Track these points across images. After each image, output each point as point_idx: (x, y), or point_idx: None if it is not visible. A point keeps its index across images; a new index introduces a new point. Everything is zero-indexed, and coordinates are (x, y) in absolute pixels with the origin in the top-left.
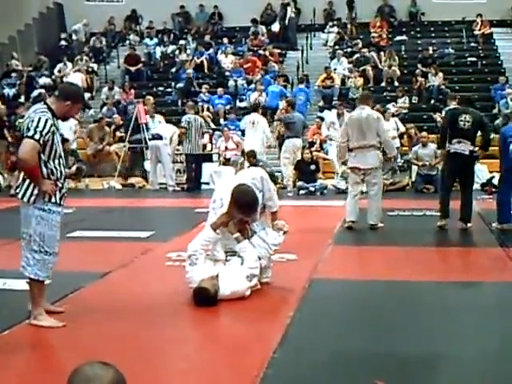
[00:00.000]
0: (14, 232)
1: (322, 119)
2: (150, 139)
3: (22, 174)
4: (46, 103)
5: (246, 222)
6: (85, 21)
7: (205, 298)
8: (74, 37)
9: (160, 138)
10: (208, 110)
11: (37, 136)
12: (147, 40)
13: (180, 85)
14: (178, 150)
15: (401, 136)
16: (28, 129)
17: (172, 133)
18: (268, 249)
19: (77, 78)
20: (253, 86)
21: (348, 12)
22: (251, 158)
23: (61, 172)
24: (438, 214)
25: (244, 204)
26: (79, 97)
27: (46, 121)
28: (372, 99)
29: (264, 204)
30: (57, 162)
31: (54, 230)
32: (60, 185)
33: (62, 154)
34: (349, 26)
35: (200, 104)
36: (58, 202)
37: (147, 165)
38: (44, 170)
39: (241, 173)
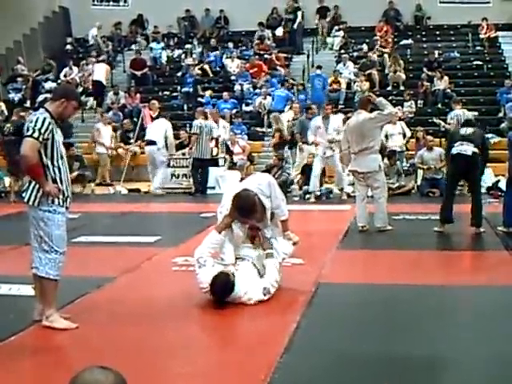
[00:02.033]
0: (19, 237)
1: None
2: (145, 145)
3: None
4: (43, 107)
5: (257, 228)
6: (98, 23)
7: (224, 282)
8: (90, 41)
9: (153, 143)
10: None
11: (36, 134)
12: (153, 44)
13: (186, 89)
14: (183, 153)
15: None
16: (27, 129)
17: (164, 132)
18: (277, 256)
19: (101, 69)
20: (258, 90)
21: (319, 20)
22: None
23: (64, 173)
24: (438, 218)
25: (241, 207)
26: (72, 94)
27: (44, 119)
28: (370, 103)
29: (272, 212)
30: (60, 162)
31: (61, 230)
32: (64, 187)
33: (64, 156)
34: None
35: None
36: (62, 204)
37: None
38: (47, 171)
39: (248, 178)
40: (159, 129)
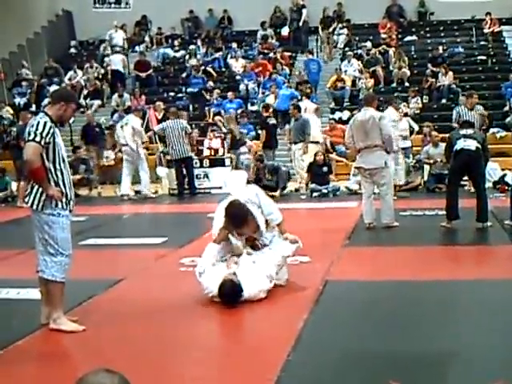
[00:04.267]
0: (26, 241)
1: (335, 121)
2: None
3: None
4: (43, 111)
5: (254, 238)
6: (115, 22)
7: (231, 289)
8: (111, 42)
9: (125, 144)
10: (219, 114)
11: (37, 138)
12: (157, 46)
13: (191, 89)
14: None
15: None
16: (29, 134)
17: (131, 135)
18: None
19: (118, 59)
20: (264, 89)
21: (322, 30)
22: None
23: (67, 176)
24: (445, 213)
25: (234, 215)
26: (71, 97)
27: (45, 123)
28: (376, 100)
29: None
30: (62, 165)
31: (66, 232)
32: (67, 190)
33: (66, 159)
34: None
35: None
36: (65, 207)
37: (160, 171)
38: (49, 175)
39: (237, 193)
40: (128, 133)
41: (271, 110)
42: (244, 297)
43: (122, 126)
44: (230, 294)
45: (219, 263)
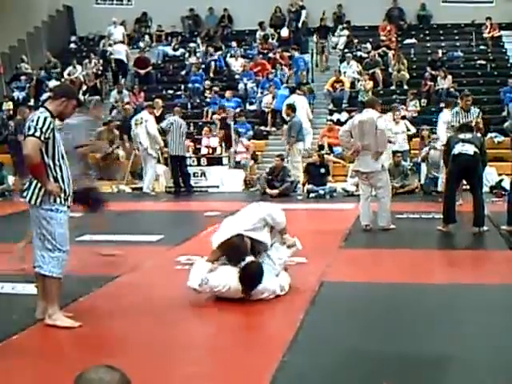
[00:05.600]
0: (23, 236)
1: (333, 122)
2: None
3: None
4: (44, 106)
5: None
6: (114, 19)
7: (256, 270)
8: (111, 37)
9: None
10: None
11: (37, 133)
12: (157, 43)
13: (190, 85)
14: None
15: (409, 138)
16: (29, 128)
17: (145, 136)
18: (273, 264)
19: (121, 48)
20: (263, 89)
21: (319, 38)
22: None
23: (66, 172)
24: (441, 217)
25: (233, 256)
26: (72, 93)
27: (45, 118)
28: (378, 104)
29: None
30: (61, 161)
31: (64, 228)
32: (65, 186)
33: (65, 154)
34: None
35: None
36: (63, 202)
37: (159, 168)
38: (49, 170)
39: (238, 216)
40: (142, 133)
41: (265, 110)
42: (258, 288)
43: (136, 124)
44: (253, 276)
45: (226, 266)
